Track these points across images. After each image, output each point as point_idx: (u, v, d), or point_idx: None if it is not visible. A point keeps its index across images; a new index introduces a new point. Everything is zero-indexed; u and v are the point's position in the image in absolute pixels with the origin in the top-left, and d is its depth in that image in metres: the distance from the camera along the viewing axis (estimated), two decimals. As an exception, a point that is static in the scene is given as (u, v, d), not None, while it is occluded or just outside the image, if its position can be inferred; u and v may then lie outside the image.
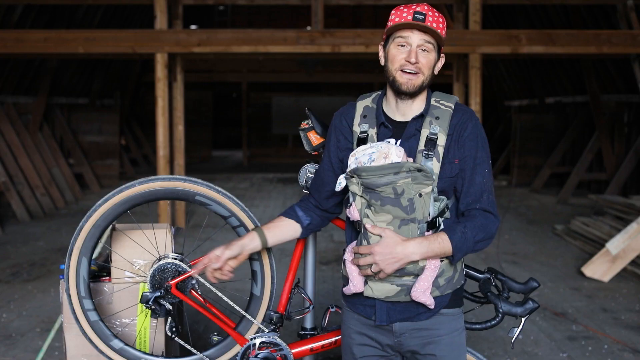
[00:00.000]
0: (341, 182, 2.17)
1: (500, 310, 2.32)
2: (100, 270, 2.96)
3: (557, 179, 13.87)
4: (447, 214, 2.19)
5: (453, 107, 2.22)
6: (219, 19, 21.20)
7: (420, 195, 2.07)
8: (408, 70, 2.16)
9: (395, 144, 2.20)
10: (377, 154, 2.11)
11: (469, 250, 2.15)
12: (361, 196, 2.12)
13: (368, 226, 2.10)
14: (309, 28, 8.98)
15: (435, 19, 2.18)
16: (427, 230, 2.11)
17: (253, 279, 2.60)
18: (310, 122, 2.55)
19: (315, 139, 2.55)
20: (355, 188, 2.13)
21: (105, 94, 14.89)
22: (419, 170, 2.05)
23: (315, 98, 21.43)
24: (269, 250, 2.57)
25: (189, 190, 2.50)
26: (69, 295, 2.52)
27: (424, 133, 2.17)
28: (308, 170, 2.60)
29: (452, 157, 2.18)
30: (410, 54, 2.16)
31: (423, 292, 2.13)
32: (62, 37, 8.49)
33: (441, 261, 2.16)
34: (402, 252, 2.06)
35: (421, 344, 2.23)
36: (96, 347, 2.55)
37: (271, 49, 8.58)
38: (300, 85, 21.39)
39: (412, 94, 2.19)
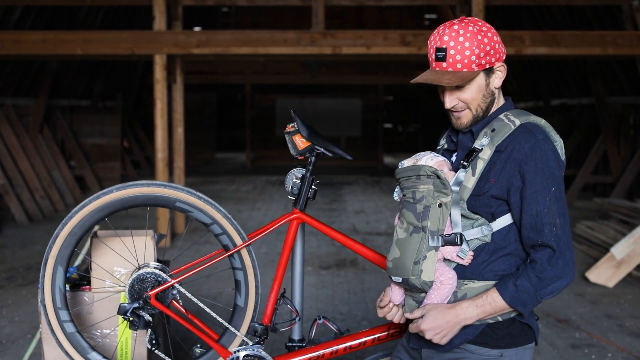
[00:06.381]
0: (397, 192, 2.14)
1: None
2: (81, 279, 2.86)
3: (563, 181, 13.73)
4: (487, 238, 1.99)
5: (517, 123, 1.99)
6: (222, 21, 21.13)
7: (440, 205, 1.96)
8: (454, 112, 2.06)
9: (452, 155, 2.14)
10: (411, 159, 2.09)
11: (533, 301, 1.92)
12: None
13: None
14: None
15: (459, 48, 1.93)
16: (444, 245, 1.97)
17: (237, 289, 2.49)
18: (295, 125, 2.43)
19: (301, 142, 2.43)
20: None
21: (108, 95, 14.84)
22: (438, 176, 1.97)
23: (319, 100, 21.37)
24: (253, 259, 2.47)
25: (169, 197, 2.39)
26: (44, 306, 2.42)
27: (475, 144, 2.02)
28: (294, 175, 2.48)
29: (491, 175, 1.97)
30: (445, 101, 2.03)
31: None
32: (60, 39, 8.41)
33: (465, 284, 2.00)
34: (453, 321, 1.95)
35: None
36: (73, 360, 2.45)
37: (271, 51, 8.48)
38: (305, 87, 21.30)
39: (467, 129, 2.07)
